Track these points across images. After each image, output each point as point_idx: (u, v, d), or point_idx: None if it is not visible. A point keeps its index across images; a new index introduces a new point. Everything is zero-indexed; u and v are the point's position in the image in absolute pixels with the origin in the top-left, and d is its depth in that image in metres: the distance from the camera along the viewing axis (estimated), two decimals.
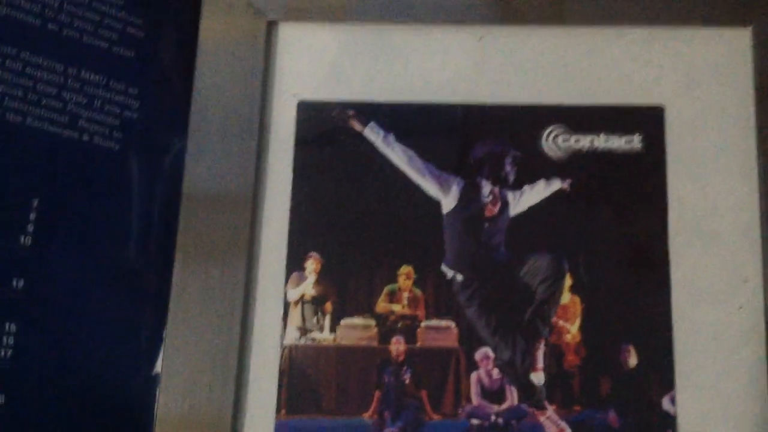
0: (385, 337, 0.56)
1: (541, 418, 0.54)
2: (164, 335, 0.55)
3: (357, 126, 0.59)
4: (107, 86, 0.57)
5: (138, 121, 0.58)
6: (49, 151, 0.54)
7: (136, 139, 0.58)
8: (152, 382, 0.56)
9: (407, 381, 0.55)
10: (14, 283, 0.52)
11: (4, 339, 0.52)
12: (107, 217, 0.56)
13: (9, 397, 0.51)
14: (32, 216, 0.53)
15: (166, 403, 0.54)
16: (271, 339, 0.56)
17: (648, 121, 0.58)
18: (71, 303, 0.54)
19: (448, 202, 0.57)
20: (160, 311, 0.56)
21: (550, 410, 0.54)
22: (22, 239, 0.53)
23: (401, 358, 0.56)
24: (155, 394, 0.55)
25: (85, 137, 0.56)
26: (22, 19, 0.54)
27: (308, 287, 0.57)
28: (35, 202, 0.54)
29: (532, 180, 0.57)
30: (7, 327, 0.52)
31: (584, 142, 0.58)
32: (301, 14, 0.60)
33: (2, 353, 0.51)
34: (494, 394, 0.55)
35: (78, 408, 0.54)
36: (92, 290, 0.55)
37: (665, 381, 0.54)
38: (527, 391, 0.55)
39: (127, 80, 0.58)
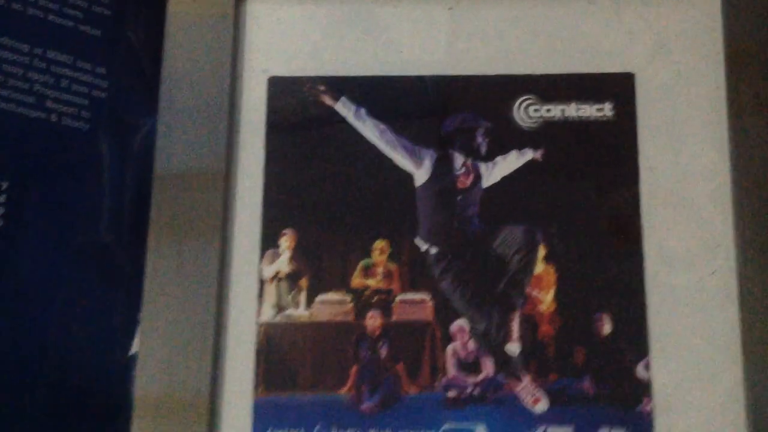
0: (360, 312, 0.56)
1: (517, 388, 0.54)
2: (139, 316, 0.55)
3: (328, 101, 0.59)
4: (74, 66, 0.57)
5: (107, 100, 0.58)
6: (17, 132, 0.54)
7: (106, 118, 0.58)
8: (129, 363, 0.56)
9: (383, 355, 0.55)
10: None
11: None
12: (78, 197, 0.56)
13: None
14: (2, 198, 0.53)
15: (144, 384, 0.54)
16: (246, 317, 0.56)
17: (618, 88, 0.58)
18: (44, 285, 0.54)
19: (421, 175, 0.57)
20: (134, 292, 0.55)
21: (526, 380, 0.54)
22: None
23: (377, 332, 0.56)
24: (132, 375, 0.55)
25: (54, 118, 0.55)
26: None
27: (283, 264, 0.57)
28: (4, 184, 0.53)
29: (504, 151, 0.57)
30: None
31: (555, 111, 0.58)
32: None
33: None
34: (470, 366, 0.55)
35: (53, 389, 0.54)
36: (64, 272, 0.55)
37: (639, 348, 0.54)
38: (503, 361, 0.55)
39: (94, 59, 0.57)
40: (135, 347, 0.56)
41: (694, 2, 0.59)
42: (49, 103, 0.55)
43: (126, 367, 0.56)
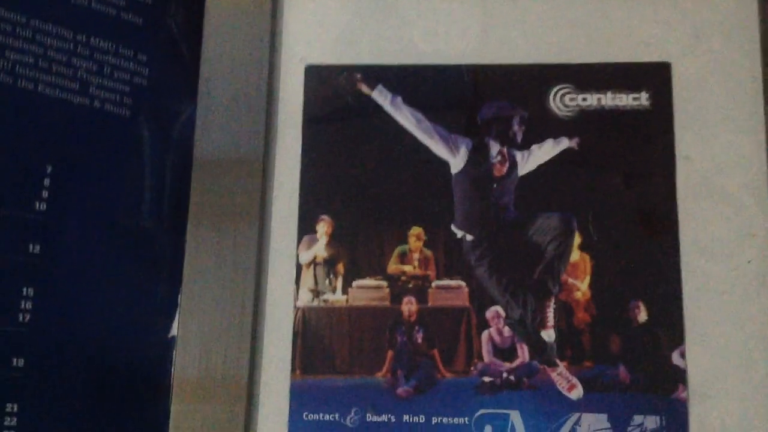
0: (396, 297, 0.57)
1: (553, 374, 0.55)
2: (179, 299, 0.56)
3: (365, 89, 0.59)
4: (116, 53, 0.57)
5: (148, 87, 0.58)
6: (61, 117, 0.55)
7: (146, 105, 0.58)
8: (168, 345, 0.57)
9: (419, 340, 0.56)
10: (30, 247, 0.53)
11: (22, 303, 0.52)
12: (120, 182, 0.57)
13: (28, 361, 0.52)
14: (46, 182, 0.54)
15: (183, 366, 0.55)
16: (284, 301, 0.57)
17: (655, 78, 0.58)
18: (86, 267, 0.55)
19: (457, 163, 0.58)
20: (174, 275, 0.56)
21: (561, 366, 0.55)
22: (37, 205, 0.53)
23: (413, 317, 0.56)
24: (172, 357, 0.56)
25: (96, 104, 0.56)
26: None
27: (320, 249, 0.57)
28: (49, 168, 0.54)
29: (539, 139, 0.58)
30: (24, 291, 0.52)
31: (591, 100, 0.58)
32: None
33: (20, 317, 0.52)
34: (505, 352, 0.55)
35: (95, 371, 0.55)
36: (107, 255, 0.56)
37: (675, 336, 0.54)
38: (538, 348, 0.55)
39: (136, 47, 0.58)
40: (174, 330, 0.56)
41: None
42: (92, 90, 0.56)
43: (166, 349, 0.56)
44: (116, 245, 0.56)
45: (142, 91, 0.58)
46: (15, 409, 0.51)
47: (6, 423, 0.51)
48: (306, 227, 0.57)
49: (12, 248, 0.52)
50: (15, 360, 0.52)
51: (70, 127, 0.55)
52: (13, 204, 0.53)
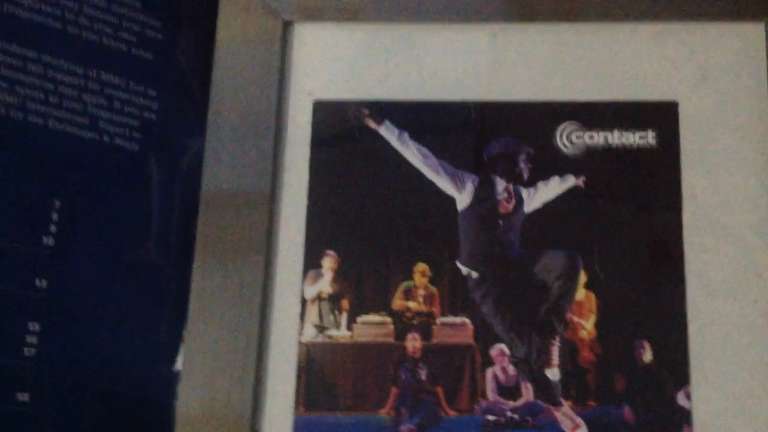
0: (401, 333, 0.57)
1: (557, 414, 0.54)
2: (184, 333, 0.56)
3: (372, 124, 0.59)
4: (127, 88, 0.58)
5: (157, 122, 0.59)
6: (70, 152, 0.55)
7: (156, 139, 0.59)
8: (172, 379, 0.57)
9: (423, 377, 0.56)
10: (37, 282, 0.53)
11: (28, 338, 0.53)
12: (127, 216, 0.57)
13: (33, 395, 0.52)
14: (54, 217, 0.54)
15: (186, 400, 0.55)
16: (288, 336, 0.57)
17: (662, 116, 0.58)
18: (93, 302, 0.55)
19: (463, 200, 0.58)
20: (179, 309, 0.57)
21: (566, 406, 0.54)
22: (45, 240, 0.54)
23: (417, 354, 0.56)
24: (175, 391, 0.56)
25: (106, 138, 0.57)
26: (42, 23, 0.55)
27: (325, 285, 0.57)
28: (57, 203, 0.55)
29: (546, 177, 0.58)
30: (30, 326, 0.53)
31: (598, 138, 0.58)
32: (316, 14, 0.61)
33: (26, 352, 0.52)
34: (510, 390, 0.55)
35: (99, 405, 0.55)
36: (113, 289, 0.56)
37: (680, 376, 0.54)
38: (543, 386, 0.55)
39: (146, 82, 0.59)
40: (179, 364, 0.57)
41: (737, 31, 0.59)
42: (101, 124, 0.57)
43: (170, 383, 0.57)
44: (123, 279, 0.57)
45: (152, 126, 0.59)
46: None
47: None
48: (311, 262, 0.58)
49: (19, 282, 0.53)
50: (20, 395, 0.52)
51: (79, 161, 0.56)
52: (21, 238, 0.53)
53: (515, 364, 0.55)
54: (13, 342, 0.52)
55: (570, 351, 0.55)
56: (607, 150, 0.58)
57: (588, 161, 0.58)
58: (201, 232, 0.57)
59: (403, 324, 0.57)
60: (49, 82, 0.55)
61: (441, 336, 0.56)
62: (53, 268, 0.54)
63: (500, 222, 0.58)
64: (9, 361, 0.52)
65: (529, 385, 0.55)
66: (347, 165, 0.59)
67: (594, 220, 0.57)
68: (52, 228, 0.54)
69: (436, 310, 0.57)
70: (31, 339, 0.53)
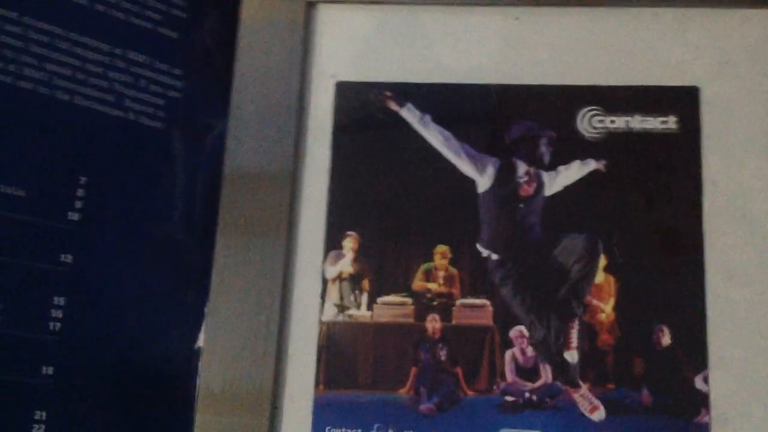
0: (421, 314, 0.57)
1: (575, 396, 0.55)
2: (206, 311, 0.57)
3: (394, 107, 0.60)
4: (152, 66, 0.58)
5: (181, 101, 0.59)
6: (96, 129, 0.56)
7: (180, 118, 0.59)
8: (194, 356, 0.57)
9: (443, 358, 0.56)
10: (63, 257, 0.54)
11: (53, 312, 0.53)
12: (151, 194, 0.58)
13: (57, 369, 0.53)
14: (80, 192, 0.55)
15: (208, 377, 0.55)
16: (309, 315, 0.57)
17: (683, 102, 0.58)
18: (117, 278, 0.56)
19: (484, 182, 0.58)
20: (202, 287, 0.57)
21: (584, 388, 0.55)
22: (70, 215, 0.54)
23: (437, 335, 0.57)
24: (197, 368, 0.56)
25: (131, 116, 0.57)
26: (70, 0, 0.56)
27: (346, 265, 0.58)
28: (83, 179, 0.55)
29: (567, 160, 0.58)
30: (55, 300, 0.53)
31: (619, 122, 0.58)
32: None
33: (51, 326, 0.53)
34: (528, 372, 0.56)
35: (122, 380, 0.55)
36: (137, 265, 0.57)
37: (698, 361, 0.54)
38: (561, 368, 0.55)
39: (171, 61, 0.59)
40: (201, 341, 0.57)
41: (759, 17, 0.59)
42: (127, 102, 0.57)
43: (191, 359, 0.57)
44: (146, 256, 0.57)
45: (176, 105, 0.59)
46: (43, 416, 0.52)
47: (34, 430, 0.52)
48: (333, 243, 0.58)
49: (44, 257, 0.53)
50: (45, 368, 0.52)
51: (104, 138, 0.56)
52: (47, 213, 0.54)
53: (534, 346, 0.56)
54: (38, 316, 0.53)
55: (589, 334, 0.56)
56: (628, 134, 0.58)
57: (609, 145, 0.58)
58: (223, 211, 0.58)
59: (423, 305, 0.57)
60: (76, 59, 0.55)
61: (461, 317, 0.57)
62: (78, 243, 0.54)
63: (521, 205, 0.58)
64: (34, 334, 0.52)
65: (547, 367, 0.55)
66: (369, 147, 0.59)
67: (614, 204, 0.57)
68: (78, 204, 0.55)
69: (456, 291, 0.57)
70: (56, 313, 0.53)
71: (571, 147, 0.58)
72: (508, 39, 0.60)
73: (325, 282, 0.58)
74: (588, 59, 0.60)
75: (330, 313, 0.57)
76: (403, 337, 0.57)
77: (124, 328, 0.56)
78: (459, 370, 0.56)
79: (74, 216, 0.54)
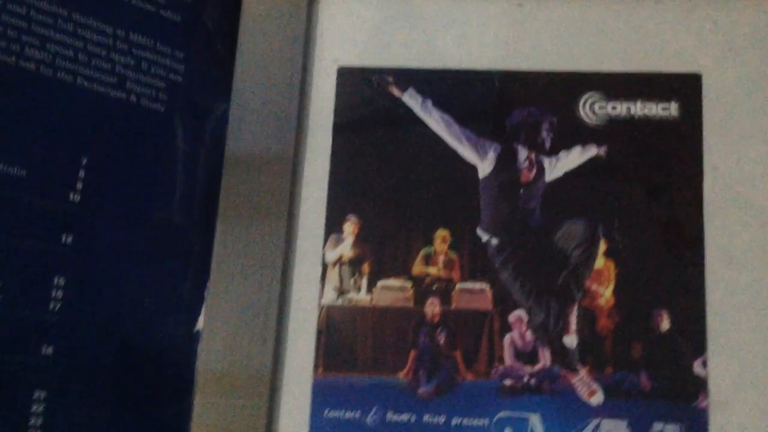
0: (420, 298, 0.57)
1: (573, 380, 0.55)
2: (205, 293, 0.57)
3: (396, 92, 0.60)
4: (154, 49, 0.58)
5: (183, 84, 0.59)
6: (98, 110, 0.56)
7: (181, 101, 0.59)
8: (193, 338, 0.57)
9: (442, 341, 0.56)
10: (63, 238, 0.54)
11: (53, 292, 0.53)
12: (152, 176, 0.58)
13: (57, 349, 0.53)
14: (81, 173, 0.55)
15: (207, 360, 0.55)
16: (309, 299, 0.57)
17: (685, 88, 0.58)
18: (117, 259, 0.56)
19: (485, 167, 0.58)
20: (201, 270, 0.57)
21: (583, 372, 0.55)
22: (71, 196, 0.54)
23: (436, 319, 0.57)
24: (196, 351, 0.56)
25: (133, 98, 0.57)
26: None
27: (346, 249, 0.58)
28: (84, 160, 0.55)
29: (568, 146, 0.58)
30: (55, 280, 0.53)
31: (621, 109, 0.58)
32: None
33: (51, 306, 0.53)
34: (527, 356, 0.56)
35: (122, 361, 0.55)
36: (137, 247, 0.57)
37: (697, 345, 0.54)
38: (560, 353, 0.56)
39: (173, 44, 0.59)
40: (200, 324, 0.57)
41: (762, 4, 0.59)
42: (128, 84, 0.57)
43: (191, 342, 0.57)
44: (146, 238, 0.57)
45: (178, 88, 0.59)
46: (43, 396, 0.52)
47: (33, 409, 0.52)
48: (333, 226, 0.58)
49: (45, 237, 0.53)
50: (44, 348, 0.53)
51: (106, 120, 0.56)
52: (48, 194, 0.54)
53: (533, 330, 0.56)
54: (38, 296, 0.53)
55: (588, 318, 0.56)
56: (630, 121, 0.58)
57: (610, 131, 0.58)
58: (224, 194, 0.58)
59: (422, 289, 0.57)
60: (79, 40, 0.56)
61: (460, 301, 0.57)
62: (79, 224, 0.54)
63: (521, 190, 0.58)
64: (34, 314, 0.52)
65: (546, 351, 0.56)
66: (370, 131, 0.59)
67: (615, 190, 0.57)
68: (79, 185, 0.55)
69: (455, 275, 0.57)
70: (57, 293, 0.53)
71: (573, 133, 0.58)
72: (510, 25, 0.61)
73: (325, 266, 0.58)
74: (590, 45, 0.60)
75: (330, 296, 0.57)
76: (403, 320, 0.57)
77: (124, 309, 0.56)
78: (458, 354, 0.56)
79: (75, 197, 0.54)
